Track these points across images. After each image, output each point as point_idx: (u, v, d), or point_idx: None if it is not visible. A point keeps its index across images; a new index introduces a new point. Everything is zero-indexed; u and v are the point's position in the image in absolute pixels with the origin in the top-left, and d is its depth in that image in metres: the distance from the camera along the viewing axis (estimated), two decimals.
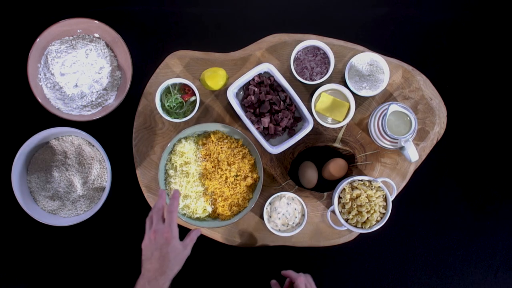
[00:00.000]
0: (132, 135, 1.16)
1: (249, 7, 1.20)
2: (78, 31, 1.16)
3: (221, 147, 1.12)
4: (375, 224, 1.09)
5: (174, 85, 1.14)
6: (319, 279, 1.18)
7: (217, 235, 1.16)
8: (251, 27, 1.19)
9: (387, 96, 1.16)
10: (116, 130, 1.18)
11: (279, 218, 1.13)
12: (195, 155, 1.13)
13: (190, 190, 1.11)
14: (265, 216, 1.13)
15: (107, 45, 1.17)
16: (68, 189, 1.13)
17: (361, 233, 1.16)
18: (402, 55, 1.18)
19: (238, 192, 1.12)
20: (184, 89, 1.15)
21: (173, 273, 0.93)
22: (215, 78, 1.12)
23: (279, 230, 1.13)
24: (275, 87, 1.15)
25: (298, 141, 1.13)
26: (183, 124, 1.16)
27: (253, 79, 1.15)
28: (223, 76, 1.13)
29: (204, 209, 1.12)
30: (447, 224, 1.19)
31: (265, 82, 1.14)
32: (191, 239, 0.97)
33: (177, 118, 1.14)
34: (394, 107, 1.06)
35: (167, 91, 1.15)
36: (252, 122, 1.13)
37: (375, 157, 1.17)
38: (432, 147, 1.17)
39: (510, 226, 1.19)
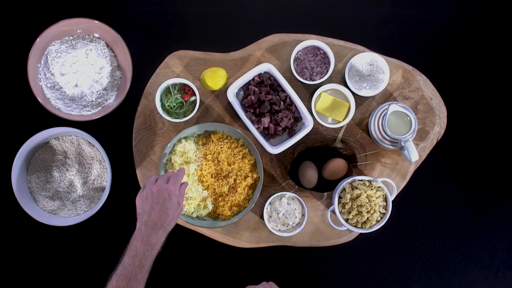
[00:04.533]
0: (132, 135, 1.16)
1: (249, 7, 1.20)
2: (78, 31, 1.16)
3: (221, 147, 1.12)
4: (375, 224, 1.09)
5: (174, 85, 1.14)
6: (319, 279, 1.19)
7: (217, 235, 1.16)
8: (251, 27, 1.19)
9: (387, 96, 1.16)
10: (116, 130, 1.18)
11: (279, 218, 1.13)
12: (195, 155, 1.13)
13: (190, 190, 1.11)
14: (265, 216, 1.13)
15: (107, 45, 1.17)
16: (68, 189, 1.13)
17: (361, 233, 1.16)
18: (402, 55, 1.18)
19: (238, 192, 1.12)
20: (184, 89, 1.15)
21: (170, 229, 0.94)
22: (215, 78, 1.12)
23: (279, 230, 1.13)
24: (275, 87, 1.15)
25: (298, 141, 1.13)
26: (183, 124, 1.16)
27: (253, 79, 1.15)
28: (223, 76, 1.13)
29: (204, 209, 1.12)
30: (447, 224, 1.19)
31: (265, 82, 1.14)
32: (181, 195, 0.97)
33: (177, 118, 1.14)
34: (394, 107, 1.06)
35: (167, 91, 1.15)
36: (252, 122, 1.13)
37: (375, 157, 1.17)
38: (432, 147, 1.17)
39: (510, 226, 1.19)
